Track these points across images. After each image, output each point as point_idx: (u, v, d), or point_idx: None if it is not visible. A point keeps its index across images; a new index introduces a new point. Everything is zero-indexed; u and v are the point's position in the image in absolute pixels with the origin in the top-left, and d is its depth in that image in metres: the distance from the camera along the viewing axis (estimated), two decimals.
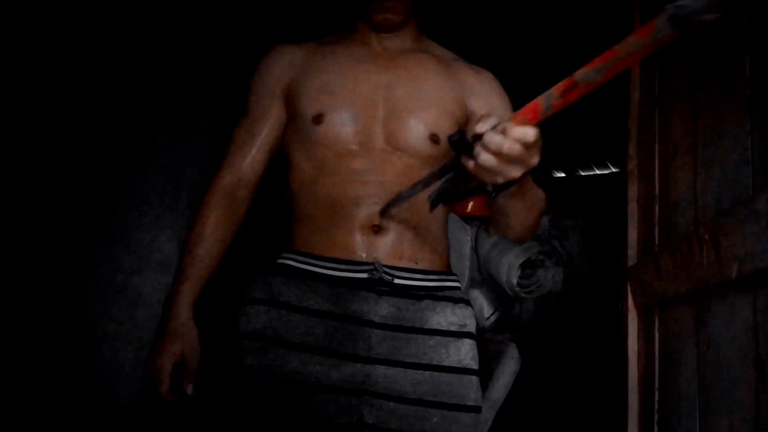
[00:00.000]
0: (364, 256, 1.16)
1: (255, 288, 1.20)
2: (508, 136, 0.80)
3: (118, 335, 2.25)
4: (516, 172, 0.84)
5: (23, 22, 2.12)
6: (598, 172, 4.22)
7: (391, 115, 1.20)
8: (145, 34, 2.35)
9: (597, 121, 3.41)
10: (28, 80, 2.13)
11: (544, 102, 0.78)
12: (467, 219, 2.85)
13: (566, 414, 2.75)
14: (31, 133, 2.14)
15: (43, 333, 2.12)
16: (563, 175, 4.40)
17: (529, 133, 0.80)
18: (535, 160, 0.84)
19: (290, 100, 1.25)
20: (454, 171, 0.90)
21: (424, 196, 1.22)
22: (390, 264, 1.16)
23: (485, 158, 0.81)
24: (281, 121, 1.27)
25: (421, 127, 1.20)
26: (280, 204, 1.31)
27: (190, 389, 1.13)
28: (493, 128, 0.81)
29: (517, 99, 1.02)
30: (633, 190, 1.52)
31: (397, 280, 1.16)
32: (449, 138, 0.85)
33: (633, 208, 1.52)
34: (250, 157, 1.26)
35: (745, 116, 0.94)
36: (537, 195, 1.07)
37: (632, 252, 1.50)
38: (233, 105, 1.35)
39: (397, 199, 1.08)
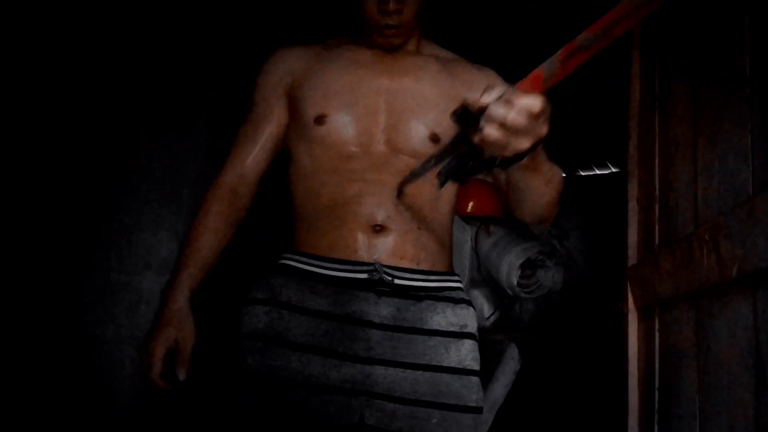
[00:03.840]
0: (365, 256, 1.16)
1: (257, 288, 1.21)
2: (513, 107, 0.75)
3: (118, 335, 2.25)
4: (524, 144, 0.79)
5: (23, 22, 2.12)
6: (598, 172, 4.22)
7: (392, 118, 1.21)
8: (145, 35, 2.35)
9: (597, 121, 3.41)
10: (28, 81, 2.13)
11: (546, 70, 0.75)
12: (467, 219, 2.85)
13: (566, 414, 2.75)
14: (32, 134, 2.15)
15: (43, 333, 2.12)
16: (563, 175, 4.39)
17: (536, 102, 0.76)
18: (543, 129, 0.80)
19: (293, 101, 1.26)
20: (461, 146, 0.85)
21: (429, 193, 1.22)
22: (391, 264, 1.16)
23: (490, 131, 0.77)
24: (284, 121, 1.28)
25: (421, 128, 1.21)
26: (281, 204, 1.31)
27: (182, 375, 1.14)
28: (498, 99, 0.77)
29: None
30: (633, 190, 1.52)
31: (397, 281, 1.16)
32: (453, 112, 0.80)
33: (633, 208, 1.52)
34: (253, 156, 1.27)
35: (745, 116, 0.94)
36: (553, 169, 1.03)
37: (632, 252, 1.50)
38: (233, 105, 1.35)
39: (410, 177, 1.01)
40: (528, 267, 2.72)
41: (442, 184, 0.90)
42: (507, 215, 2.92)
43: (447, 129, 1.22)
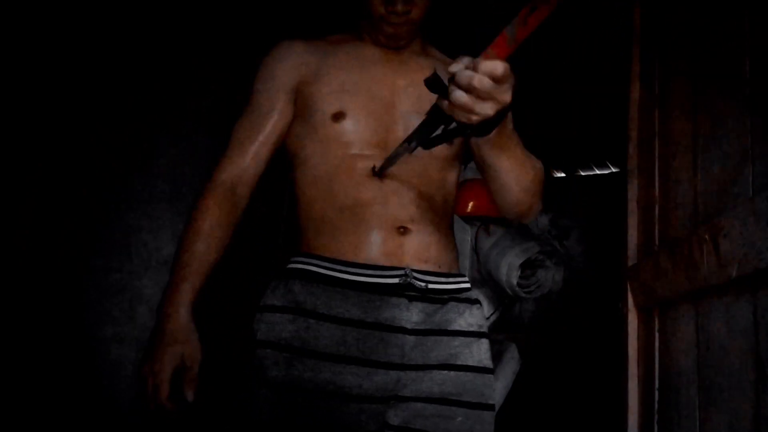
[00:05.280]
0: (392, 260, 1.13)
1: (273, 294, 1.15)
2: (478, 71, 0.81)
3: (118, 335, 2.25)
4: (489, 110, 0.84)
5: (23, 23, 2.12)
6: (598, 172, 4.22)
7: (408, 117, 1.19)
8: (145, 35, 2.35)
9: (597, 121, 3.41)
10: (29, 81, 2.13)
11: (509, 32, 0.81)
12: (467, 219, 2.85)
13: (566, 414, 2.75)
14: (32, 134, 2.15)
15: (43, 333, 2.12)
16: (563, 175, 4.40)
17: (498, 66, 0.81)
18: (506, 96, 0.84)
19: (303, 97, 1.22)
20: (433, 114, 0.92)
21: (441, 194, 1.22)
22: (418, 268, 1.14)
23: (457, 95, 0.82)
24: (287, 118, 1.23)
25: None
26: (281, 204, 1.30)
27: (191, 396, 1.06)
28: (464, 66, 0.82)
29: (517, 101, 1.01)
30: (633, 190, 1.52)
31: (430, 286, 1.14)
32: (425, 80, 0.86)
33: (633, 207, 1.52)
34: (252, 153, 1.21)
35: (745, 116, 0.94)
36: (528, 155, 1.06)
37: (632, 252, 1.50)
38: (234, 105, 1.34)
39: (393, 157, 1.07)
40: (528, 267, 2.72)
41: (412, 150, 0.98)
42: None
43: None
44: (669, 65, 1.36)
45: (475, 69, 0.81)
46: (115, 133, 2.29)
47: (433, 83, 0.86)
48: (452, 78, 0.83)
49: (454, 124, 0.91)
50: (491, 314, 2.81)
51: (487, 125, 0.89)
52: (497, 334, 2.67)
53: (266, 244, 2.30)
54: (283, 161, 1.28)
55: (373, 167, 1.15)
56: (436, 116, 0.92)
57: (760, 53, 0.92)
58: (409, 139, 0.98)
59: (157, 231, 2.33)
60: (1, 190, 2.06)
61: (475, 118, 0.85)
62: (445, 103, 0.85)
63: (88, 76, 2.25)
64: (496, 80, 0.81)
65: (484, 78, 0.81)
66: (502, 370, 2.48)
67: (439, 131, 0.95)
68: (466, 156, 1.33)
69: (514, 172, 1.04)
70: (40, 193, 2.16)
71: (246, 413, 1.10)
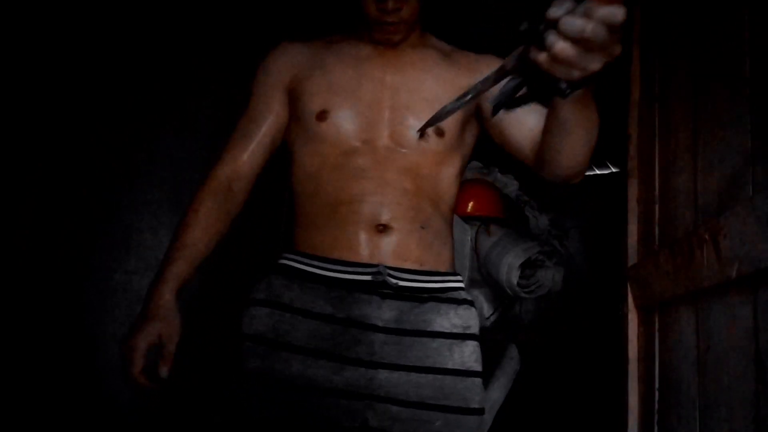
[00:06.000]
0: (368, 257, 1.14)
1: (257, 289, 1.19)
2: (592, 18, 0.65)
3: (118, 335, 2.25)
4: (596, 64, 0.69)
5: (24, 22, 2.12)
6: (598, 172, 4.22)
7: (396, 113, 1.20)
8: (145, 35, 2.35)
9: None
10: (28, 80, 2.13)
11: None
12: (467, 219, 2.85)
13: (566, 414, 2.75)
14: (32, 134, 2.15)
15: (43, 333, 2.12)
16: None
17: (618, 11, 0.65)
18: (618, 48, 0.69)
19: (294, 97, 1.25)
20: (519, 69, 0.74)
21: (432, 191, 1.21)
22: (395, 266, 1.15)
23: (562, 47, 0.66)
24: (283, 118, 1.27)
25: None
26: (281, 203, 1.31)
27: (164, 372, 1.08)
28: (572, 10, 0.66)
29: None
30: (633, 190, 1.52)
31: (402, 283, 1.14)
32: (520, 31, 0.70)
33: (633, 207, 1.52)
34: (249, 151, 1.25)
35: (745, 116, 0.94)
36: (596, 114, 0.93)
37: (632, 252, 1.50)
38: (234, 104, 1.35)
39: (441, 113, 0.88)
40: (528, 267, 2.72)
41: (494, 113, 0.79)
42: (507, 215, 2.93)
43: (451, 123, 1.21)
44: (669, 65, 1.36)
45: (588, 15, 0.65)
46: (116, 133, 2.29)
47: (527, 33, 0.69)
48: (552, 23, 0.67)
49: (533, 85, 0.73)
50: (491, 314, 2.80)
51: (581, 82, 0.73)
52: (497, 334, 2.67)
53: (266, 243, 2.31)
54: (284, 161, 1.29)
55: (421, 128, 1.01)
56: (513, 71, 0.74)
57: (760, 53, 0.92)
58: (473, 94, 0.79)
59: (157, 231, 2.33)
60: (1, 190, 2.06)
61: (577, 74, 0.69)
62: (543, 55, 0.68)
63: (88, 76, 2.25)
64: (612, 30, 0.66)
65: (599, 27, 0.65)
66: (501, 371, 2.48)
67: (522, 91, 0.76)
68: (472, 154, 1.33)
69: (586, 130, 0.95)
70: (40, 193, 2.16)
71: (231, 404, 1.12)
